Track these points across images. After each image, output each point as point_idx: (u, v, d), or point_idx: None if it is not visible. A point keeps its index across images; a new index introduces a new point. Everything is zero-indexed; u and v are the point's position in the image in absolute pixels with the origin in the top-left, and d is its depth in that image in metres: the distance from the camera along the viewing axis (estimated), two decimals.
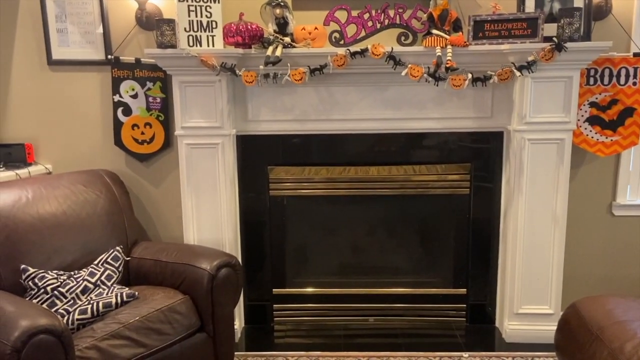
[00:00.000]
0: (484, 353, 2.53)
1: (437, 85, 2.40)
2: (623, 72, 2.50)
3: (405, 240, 2.89)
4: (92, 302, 2.01)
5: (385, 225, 2.91)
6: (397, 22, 2.45)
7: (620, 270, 2.74)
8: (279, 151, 2.71)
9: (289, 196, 2.80)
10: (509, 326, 2.63)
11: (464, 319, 2.84)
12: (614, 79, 2.51)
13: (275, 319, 2.89)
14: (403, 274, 2.90)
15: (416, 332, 2.78)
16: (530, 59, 2.30)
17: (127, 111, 2.69)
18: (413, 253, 2.90)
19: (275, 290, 2.87)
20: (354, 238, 2.93)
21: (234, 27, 2.41)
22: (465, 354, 2.51)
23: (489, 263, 2.78)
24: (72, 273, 2.16)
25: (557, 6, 2.45)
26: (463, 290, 2.82)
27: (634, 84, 2.50)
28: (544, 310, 2.57)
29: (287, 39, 2.42)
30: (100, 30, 2.63)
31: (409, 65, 2.39)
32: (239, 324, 2.74)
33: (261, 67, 2.39)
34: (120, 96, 2.67)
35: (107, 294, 2.10)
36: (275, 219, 2.82)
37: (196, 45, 2.40)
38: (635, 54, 2.48)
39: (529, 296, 2.58)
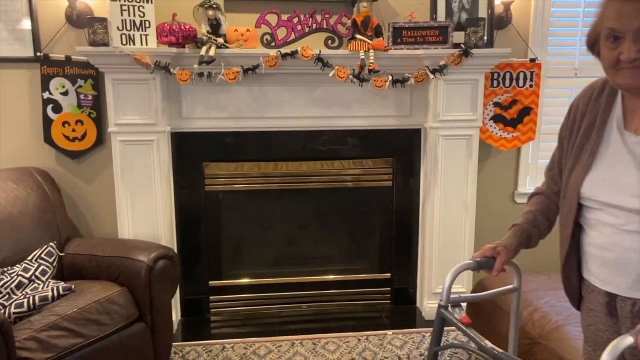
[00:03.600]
0: (406, 330, 2.77)
1: (362, 86, 2.61)
2: (522, 75, 2.84)
3: (335, 230, 3.09)
4: (27, 296, 2.03)
5: (316, 217, 3.09)
6: (324, 26, 2.64)
7: (522, 250, 3.08)
8: (213, 148, 2.81)
9: (224, 191, 2.91)
10: (428, 305, 2.90)
11: (389, 301, 3.08)
12: (514, 82, 2.85)
13: (212, 310, 2.98)
14: (333, 262, 3.10)
15: (346, 315, 2.99)
16: (441, 63, 2.57)
17: (57, 108, 2.69)
18: (342, 242, 3.11)
19: (212, 282, 2.97)
20: (287, 230, 3.08)
21: (168, 27, 2.49)
22: (390, 332, 2.75)
23: (411, 249, 3.03)
24: (6, 269, 2.15)
25: (464, 16, 2.74)
26: (388, 275, 3.06)
27: (531, 86, 2.85)
28: (457, 289, 2.85)
29: (220, 40, 2.53)
30: (27, 25, 2.61)
31: (336, 67, 2.58)
32: (175, 316, 2.81)
33: (195, 66, 2.49)
34: (50, 93, 2.66)
35: (42, 288, 2.12)
36: (211, 214, 2.92)
37: (129, 44, 2.45)
38: (531, 60, 2.83)
39: (444, 277, 2.82)
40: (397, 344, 2.64)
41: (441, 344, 1.38)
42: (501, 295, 1.39)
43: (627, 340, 0.99)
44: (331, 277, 3.06)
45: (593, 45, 1.21)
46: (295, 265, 3.08)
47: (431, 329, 2.72)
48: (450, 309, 1.32)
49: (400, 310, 3.04)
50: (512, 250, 1.36)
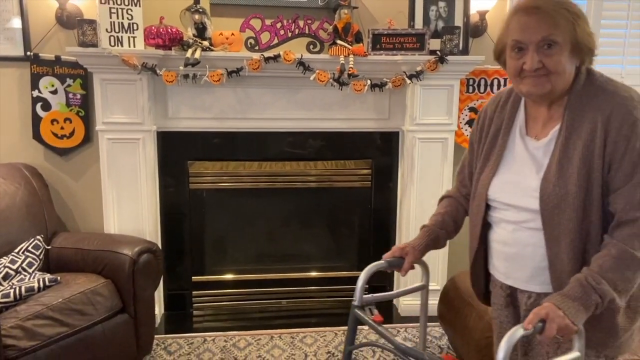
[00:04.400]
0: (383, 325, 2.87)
1: (342, 90, 2.72)
2: (496, 82, 2.97)
3: (315, 229, 3.19)
4: (14, 286, 2.11)
5: (297, 216, 3.19)
6: (306, 32, 2.74)
7: None
8: (198, 147, 2.90)
9: (208, 189, 3.01)
10: (403, 302, 3.01)
11: None
12: (489, 88, 2.98)
13: (195, 305, 3.07)
14: (313, 259, 3.20)
15: (324, 311, 3.09)
16: (418, 69, 2.68)
17: (46, 106, 2.77)
18: (322, 240, 3.21)
19: (195, 278, 3.06)
20: (269, 228, 3.18)
21: (155, 30, 2.58)
22: (365, 327, 2.84)
23: (389, 248, 3.12)
24: None
25: (441, 24, 2.86)
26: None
27: None
28: (432, 286, 2.95)
29: (206, 43, 2.62)
30: (18, 25, 2.68)
31: (317, 71, 2.68)
32: (159, 310, 2.90)
33: (181, 67, 2.58)
34: (40, 92, 2.74)
35: (29, 279, 2.20)
36: (195, 212, 3.01)
37: (117, 46, 2.54)
38: None
39: (419, 275, 2.95)
40: (372, 338, 2.75)
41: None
42: (411, 292, 1.48)
43: (520, 330, 1.06)
44: (311, 274, 3.16)
45: (499, 55, 1.29)
46: (276, 262, 3.17)
47: (405, 325, 2.85)
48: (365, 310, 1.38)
49: (378, 306, 3.14)
50: (420, 251, 1.42)
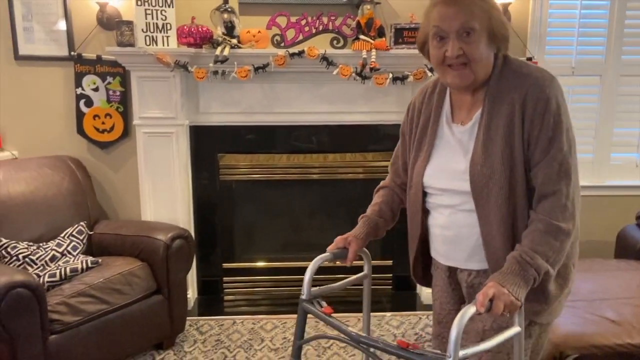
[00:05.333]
0: (404, 313, 2.95)
1: (364, 83, 2.80)
2: None
3: (340, 219, 3.28)
4: (60, 267, 2.31)
5: (322, 206, 3.29)
6: (330, 28, 2.84)
7: None
8: (228, 140, 3.05)
9: (238, 181, 3.15)
10: (426, 291, 3.07)
11: (390, 287, 3.27)
12: None
13: (225, 290, 3.23)
14: None
15: (349, 299, 3.17)
16: None
17: (89, 103, 2.97)
18: (346, 231, 3.27)
19: (225, 265, 3.22)
20: (295, 218, 3.30)
21: (187, 29, 2.73)
22: (388, 314, 2.94)
23: None
24: (41, 244, 2.44)
25: None
26: (389, 262, 3.24)
27: None
28: None
29: (234, 41, 2.76)
30: (63, 27, 2.89)
31: (340, 66, 2.78)
32: (192, 294, 3.07)
33: (211, 64, 2.73)
34: (83, 89, 2.95)
35: (73, 261, 2.39)
36: (225, 202, 3.17)
37: (152, 45, 2.71)
38: (528, 59, 2.95)
39: None
40: (394, 324, 2.84)
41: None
42: (355, 282, 1.49)
43: (471, 309, 1.09)
44: (336, 263, 3.25)
45: (423, 46, 1.36)
46: (302, 250, 3.28)
47: (427, 312, 2.91)
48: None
49: (401, 295, 3.22)
50: (362, 240, 1.46)
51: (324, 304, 1.33)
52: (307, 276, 1.36)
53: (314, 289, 1.37)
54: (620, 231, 2.90)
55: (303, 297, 1.36)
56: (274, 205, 3.27)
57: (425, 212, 1.43)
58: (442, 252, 1.42)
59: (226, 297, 3.21)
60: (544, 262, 1.20)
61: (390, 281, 3.27)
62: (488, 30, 1.25)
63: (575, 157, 1.27)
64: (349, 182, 3.17)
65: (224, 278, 3.22)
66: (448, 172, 1.33)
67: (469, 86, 1.30)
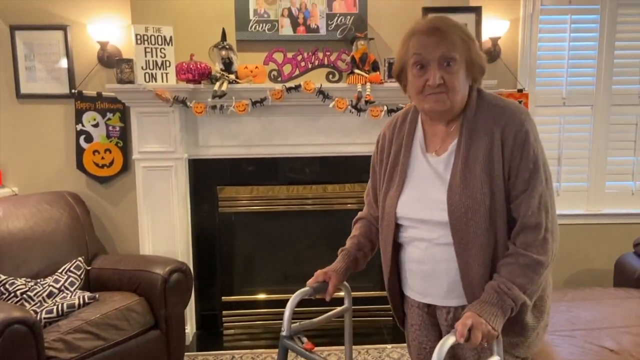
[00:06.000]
0: (404, 344, 2.91)
1: (359, 116, 2.86)
2: None
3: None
4: (57, 303, 2.30)
5: (322, 237, 3.30)
6: (326, 62, 2.91)
7: None
8: (227, 173, 3.08)
9: (237, 213, 3.17)
10: None
11: (391, 317, 3.23)
12: None
13: (225, 324, 3.20)
14: None
15: (333, 332, 3.14)
16: None
17: (89, 138, 3.02)
18: None
19: (225, 298, 3.20)
20: (294, 249, 3.30)
21: (186, 66, 2.80)
22: (389, 346, 2.91)
23: None
24: (39, 280, 2.44)
25: None
26: None
27: None
28: None
29: (232, 76, 2.82)
30: (65, 65, 2.96)
31: (336, 99, 2.84)
32: (190, 329, 3.04)
33: (209, 99, 2.79)
34: (83, 125, 3.00)
35: (70, 297, 2.39)
36: (224, 234, 3.17)
37: (152, 81, 2.77)
38: (519, 90, 3.03)
39: None
40: (394, 357, 2.80)
41: None
42: (336, 315, 1.47)
43: (450, 339, 1.08)
44: (339, 294, 3.23)
45: (399, 75, 1.36)
46: (303, 282, 3.25)
47: None
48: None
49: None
50: (341, 274, 1.45)
51: (305, 339, 1.31)
52: (287, 312, 1.35)
53: (294, 324, 1.36)
54: (618, 259, 2.90)
55: (283, 333, 1.34)
56: (274, 237, 3.28)
57: (397, 247, 1.40)
58: (419, 289, 1.38)
59: (225, 332, 3.18)
60: (521, 294, 1.20)
61: (391, 312, 3.23)
62: (467, 60, 1.27)
63: (552, 190, 1.28)
64: (348, 213, 3.17)
65: (223, 312, 3.20)
66: (424, 202, 1.32)
67: (445, 114, 1.30)
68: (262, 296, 3.26)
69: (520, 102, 2.97)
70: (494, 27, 2.96)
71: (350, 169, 3.11)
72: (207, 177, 3.07)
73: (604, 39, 3.13)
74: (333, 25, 2.96)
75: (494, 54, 3.02)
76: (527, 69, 3.09)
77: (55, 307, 2.27)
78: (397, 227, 1.38)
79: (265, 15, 2.94)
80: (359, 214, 1.61)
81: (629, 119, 3.22)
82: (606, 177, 3.27)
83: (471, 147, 1.27)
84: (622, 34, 3.14)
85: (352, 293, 1.46)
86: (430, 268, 1.33)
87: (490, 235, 1.25)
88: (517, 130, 1.24)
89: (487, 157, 1.25)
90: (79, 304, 2.33)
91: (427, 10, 2.84)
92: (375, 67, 2.89)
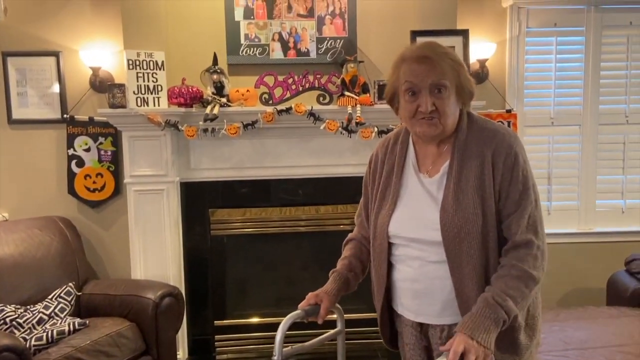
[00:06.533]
0: None
1: (350, 137, 2.88)
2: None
3: None
4: (47, 330, 2.27)
5: (315, 259, 3.28)
6: (316, 85, 2.94)
7: None
8: (219, 195, 3.08)
9: (229, 235, 3.15)
10: None
11: None
12: None
13: (217, 349, 3.16)
14: None
15: (328, 355, 3.12)
16: None
17: (80, 163, 3.01)
18: None
19: (217, 322, 3.16)
20: (287, 271, 3.28)
21: (177, 90, 2.82)
22: None
23: None
24: (29, 307, 2.41)
25: None
26: None
27: None
28: None
29: (224, 100, 2.84)
30: (57, 90, 2.98)
31: (327, 121, 2.86)
32: (182, 355, 3.00)
33: (201, 123, 2.80)
34: (74, 150, 3.00)
35: (60, 323, 2.36)
36: (217, 257, 3.15)
37: (144, 105, 2.79)
38: (507, 111, 3.07)
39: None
40: None
41: None
42: (329, 339, 1.45)
43: None
44: (332, 316, 3.21)
45: (392, 99, 1.39)
46: (296, 305, 3.23)
47: None
48: None
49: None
50: (333, 296, 1.45)
51: None
52: (279, 336, 1.34)
53: (286, 349, 1.35)
54: (611, 277, 2.91)
55: (274, 358, 1.33)
56: (266, 259, 3.26)
57: (390, 266, 1.41)
58: (412, 308, 1.39)
59: (218, 357, 3.13)
60: (514, 306, 1.22)
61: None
62: (457, 86, 1.31)
63: (541, 211, 1.32)
64: (342, 234, 3.13)
65: (216, 336, 3.16)
66: (418, 221, 1.34)
67: (437, 137, 1.34)
68: (255, 320, 3.23)
69: (509, 122, 3.03)
70: (482, 49, 3.01)
71: (343, 189, 3.11)
72: (199, 200, 3.06)
73: (590, 60, 3.19)
74: (323, 49, 3.00)
75: (482, 75, 3.07)
76: (515, 90, 3.14)
77: (45, 334, 2.24)
78: (389, 245, 1.39)
79: (256, 40, 2.98)
80: (350, 235, 1.62)
81: (616, 137, 3.26)
82: (596, 195, 3.30)
83: (463, 169, 1.31)
84: (607, 54, 3.20)
85: (345, 315, 1.46)
86: (424, 286, 1.34)
87: (483, 255, 1.28)
88: (507, 153, 1.28)
89: (479, 179, 1.29)
90: (69, 331, 2.31)
91: (415, 33, 2.89)
92: (365, 89, 2.92)
